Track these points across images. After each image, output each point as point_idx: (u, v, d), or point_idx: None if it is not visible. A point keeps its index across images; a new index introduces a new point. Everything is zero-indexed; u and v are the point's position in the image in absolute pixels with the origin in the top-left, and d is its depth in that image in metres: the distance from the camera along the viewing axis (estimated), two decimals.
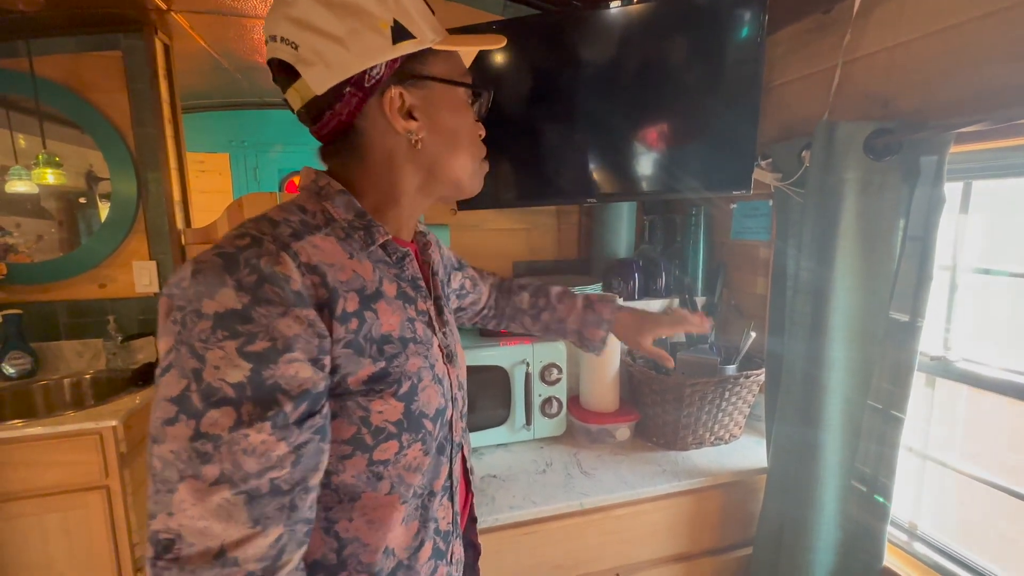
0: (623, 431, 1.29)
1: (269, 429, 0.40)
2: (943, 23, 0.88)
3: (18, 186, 1.63)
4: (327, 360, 0.45)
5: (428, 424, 0.54)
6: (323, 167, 0.57)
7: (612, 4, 1.17)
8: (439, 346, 0.59)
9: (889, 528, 0.98)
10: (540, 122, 1.27)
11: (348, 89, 0.50)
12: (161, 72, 1.72)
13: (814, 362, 1.01)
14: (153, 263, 1.75)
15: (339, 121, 0.52)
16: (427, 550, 0.57)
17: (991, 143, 0.86)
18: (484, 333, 1.29)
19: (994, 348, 0.99)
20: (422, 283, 0.59)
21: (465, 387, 0.68)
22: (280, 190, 3.18)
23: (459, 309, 0.95)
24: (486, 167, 0.63)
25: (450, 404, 0.59)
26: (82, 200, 1.89)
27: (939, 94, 0.90)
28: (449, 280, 0.82)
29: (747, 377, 1.21)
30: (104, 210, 1.75)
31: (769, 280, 1.21)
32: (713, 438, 1.27)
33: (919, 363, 0.93)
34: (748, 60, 1.12)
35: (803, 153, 1.07)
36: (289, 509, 0.42)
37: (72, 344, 1.71)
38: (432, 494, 0.57)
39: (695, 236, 1.47)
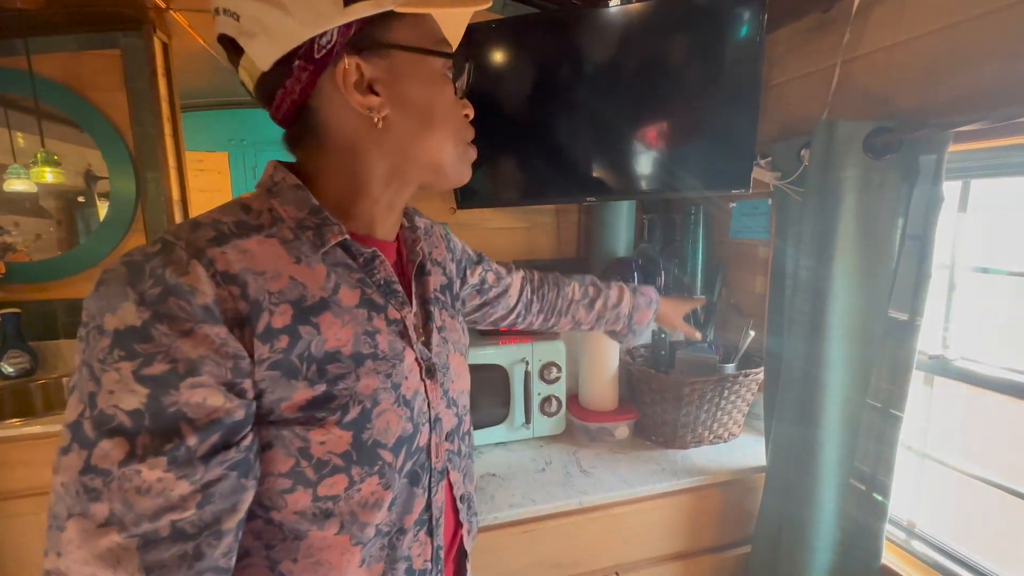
0: (622, 430, 1.29)
1: (165, 464, 0.35)
2: (942, 22, 0.88)
3: (16, 185, 1.63)
4: (247, 384, 0.39)
5: (386, 455, 0.46)
6: (293, 159, 0.52)
7: (612, 3, 1.17)
8: (416, 359, 0.51)
9: (888, 526, 0.99)
10: (539, 120, 1.27)
11: (297, 63, 0.43)
12: (160, 71, 1.72)
13: (813, 361, 1.02)
14: None
15: (292, 101, 0.46)
16: None
17: (990, 142, 0.87)
18: (483, 332, 1.29)
19: (993, 346, 0.99)
20: (397, 287, 0.51)
21: (462, 403, 0.59)
22: None
23: (483, 305, 0.83)
24: (472, 153, 0.54)
25: (425, 428, 0.51)
26: (80, 199, 1.89)
27: (938, 93, 0.90)
28: (465, 277, 0.74)
29: (746, 376, 1.21)
30: (102, 209, 1.75)
31: (768, 279, 1.21)
32: (712, 437, 1.27)
33: (918, 362, 0.94)
34: (748, 59, 1.12)
35: (802, 152, 1.07)
36: (193, 558, 0.36)
37: (71, 343, 1.70)
38: (402, 531, 0.50)
39: (694, 235, 1.47)
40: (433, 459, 0.53)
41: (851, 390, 1.00)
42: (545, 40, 1.23)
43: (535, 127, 1.27)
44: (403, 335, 0.50)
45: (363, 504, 0.45)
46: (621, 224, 1.53)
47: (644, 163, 1.25)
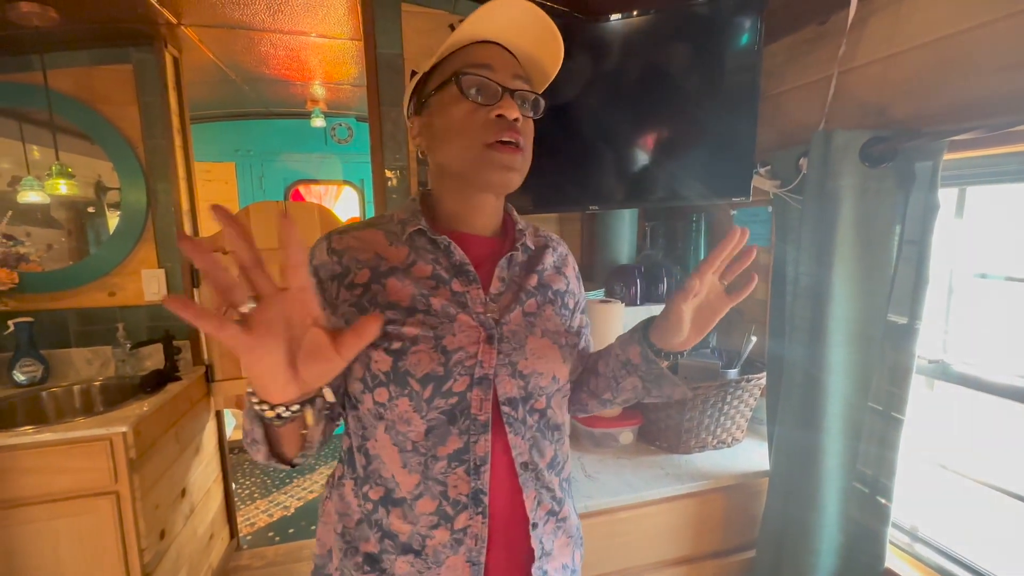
0: (626, 435, 1.30)
1: None
2: (936, 34, 0.91)
3: (30, 196, 1.66)
4: (329, 311, 0.60)
5: (414, 384, 0.58)
6: None
7: (613, 16, 1.20)
8: (477, 324, 0.61)
9: (891, 530, 1.00)
10: (542, 132, 1.29)
11: (408, 123, 0.69)
12: (171, 84, 1.76)
13: (815, 365, 1.03)
14: (162, 271, 1.78)
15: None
16: (427, 503, 0.60)
17: (985, 150, 0.89)
18: None
19: (992, 351, 1.01)
20: (469, 268, 0.63)
21: (535, 382, 0.64)
22: (285, 198, 3.23)
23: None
24: (496, 155, 0.59)
25: (463, 378, 0.60)
26: (91, 210, 1.92)
27: (932, 103, 0.92)
28: (562, 299, 0.72)
29: (748, 381, 1.22)
30: (112, 219, 1.78)
31: (769, 285, 1.23)
32: (716, 441, 1.28)
33: (918, 366, 0.95)
34: (747, 69, 1.15)
35: (800, 160, 1.10)
36: None
37: (82, 352, 1.73)
38: (435, 457, 0.60)
39: (696, 242, 1.49)
40: (474, 410, 0.61)
41: (852, 394, 1.02)
42: None
43: (538, 138, 1.30)
44: (461, 304, 0.62)
45: (400, 418, 0.60)
46: (624, 232, 1.55)
47: (647, 172, 1.28)
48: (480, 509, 0.61)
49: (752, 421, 1.36)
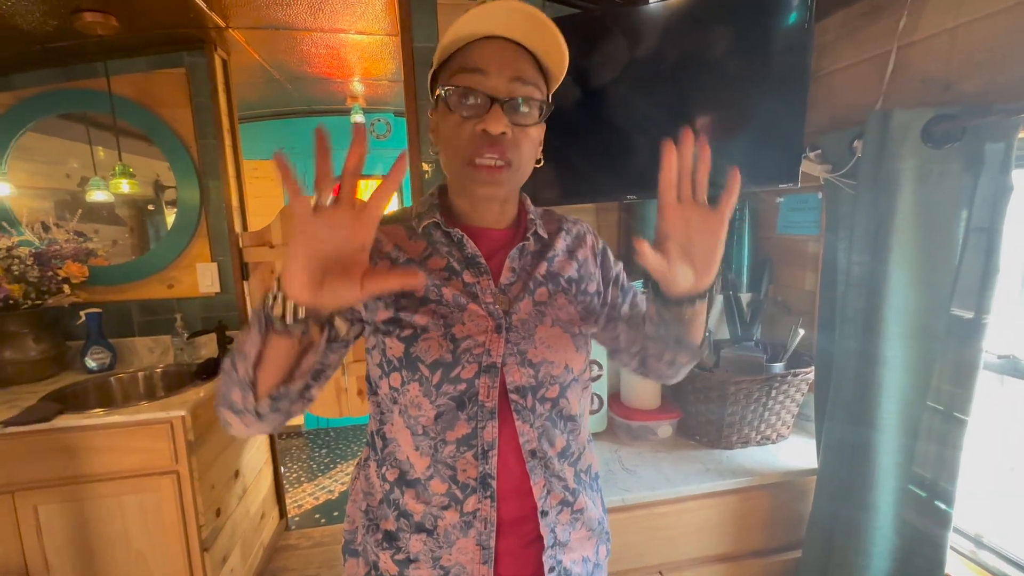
0: (665, 428, 1.28)
1: None
2: (1009, 0, 0.83)
3: (96, 195, 1.78)
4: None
5: (424, 370, 0.61)
6: None
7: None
8: (486, 314, 0.63)
9: (952, 535, 0.94)
10: (579, 120, 1.28)
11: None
12: (220, 86, 1.84)
13: (867, 360, 0.98)
14: (215, 264, 1.88)
15: None
16: (438, 484, 0.63)
17: None
18: None
19: None
20: (480, 260, 0.65)
21: (544, 370, 0.64)
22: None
23: (607, 323, 0.76)
24: (473, 172, 0.59)
25: (471, 365, 0.61)
26: (150, 207, 2.05)
27: (1006, 76, 0.85)
28: (577, 286, 0.70)
29: (795, 375, 1.17)
30: (169, 216, 1.89)
31: (819, 275, 1.17)
32: (759, 437, 1.24)
33: (986, 362, 0.88)
34: (795, 48, 1.09)
35: (854, 143, 1.03)
36: None
37: (144, 340, 1.85)
38: (444, 441, 0.62)
39: (739, 231, 1.43)
40: (482, 396, 0.62)
41: (910, 391, 0.96)
42: (584, 40, 1.24)
43: (576, 126, 1.28)
44: (471, 294, 0.63)
45: (411, 403, 0.62)
46: None
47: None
48: (488, 493, 0.62)
49: (799, 417, 1.30)
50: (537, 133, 0.63)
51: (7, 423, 1.29)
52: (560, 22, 0.62)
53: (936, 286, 0.92)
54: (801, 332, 1.20)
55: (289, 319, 0.48)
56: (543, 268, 0.68)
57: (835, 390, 1.06)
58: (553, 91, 0.67)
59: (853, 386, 1.02)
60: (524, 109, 0.59)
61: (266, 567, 1.93)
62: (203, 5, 1.54)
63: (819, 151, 1.14)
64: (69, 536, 1.38)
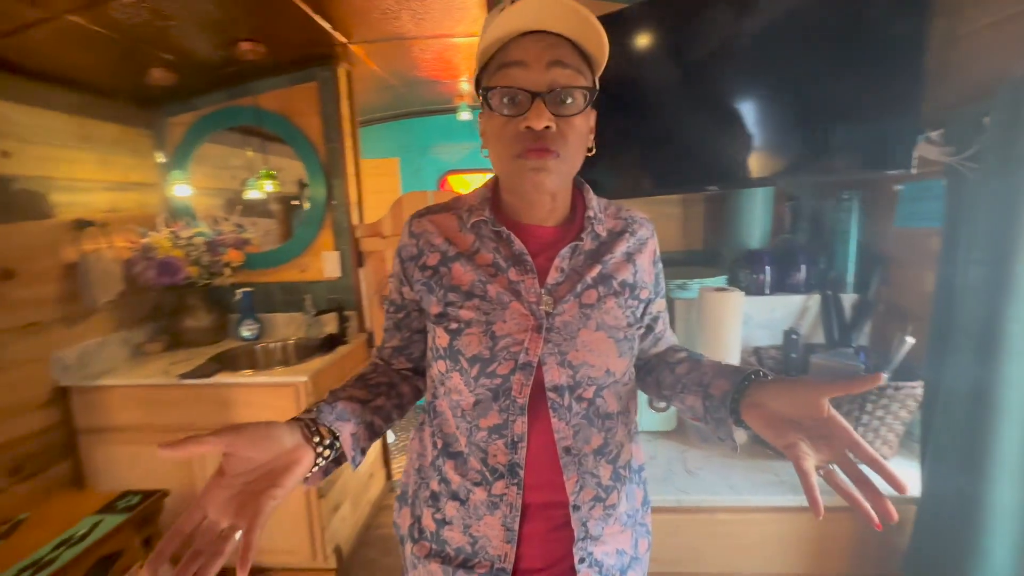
0: (739, 434, 1.20)
1: (385, 305, 0.78)
2: None
3: (251, 194, 2.16)
4: (406, 290, 0.72)
5: (463, 362, 0.64)
6: None
7: None
8: (528, 313, 0.63)
9: None
10: (660, 108, 1.24)
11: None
12: (343, 94, 2.10)
13: (983, 380, 0.83)
14: (337, 253, 2.16)
15: None
16: (474, 463, 0.67)
17: None
18: None
19: None
20: (526, 257, 0.65)
21: (583, 372, 0.64)
22: (435, 187, 3.60)
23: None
24: (522, 161, 0.59)
25: (507, 362, 0.63)
26: (293, 203, 2.42)
27: None
28: (631, 290, 0.70)
29: (897, 389, 1.03)
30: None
31: (936, 276, 1.01)
32: None
33: None
34: (910, 10, 0.95)
35: (986, 120, 0.87)
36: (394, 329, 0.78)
37: (285, 316, 2.21)
38: (478, 427, 0.66)
39: (846, 223, 1.27)
40: (515, 392, 0.64)
41: None
42: (669, 24, 1.19)
43: (655, 115, 1.24)
44: (515, 292, 0.65)
45: (453, 388, 0.67)
46: (756, 213, 1.41)
47: (780, 145, 1.14)
48: (516, 481, 0.65)
49: (907, 437, 1.14)
50: (583, 123, 0.62)
51: (184, 376, 1.65)
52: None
53: None
54: (910, 341, 1.05)
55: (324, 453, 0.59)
56: (595, 270, 0.67)
57: (944, 410, 0.91)
58: (598, 76, 0.65)
59: (965, 409, 0.87)
60: (567, 100, 0.59)
61: (372, 520, 2.20)
62: (327, 26, 1.77)
63: (942, 131, 0.97)
64: None
